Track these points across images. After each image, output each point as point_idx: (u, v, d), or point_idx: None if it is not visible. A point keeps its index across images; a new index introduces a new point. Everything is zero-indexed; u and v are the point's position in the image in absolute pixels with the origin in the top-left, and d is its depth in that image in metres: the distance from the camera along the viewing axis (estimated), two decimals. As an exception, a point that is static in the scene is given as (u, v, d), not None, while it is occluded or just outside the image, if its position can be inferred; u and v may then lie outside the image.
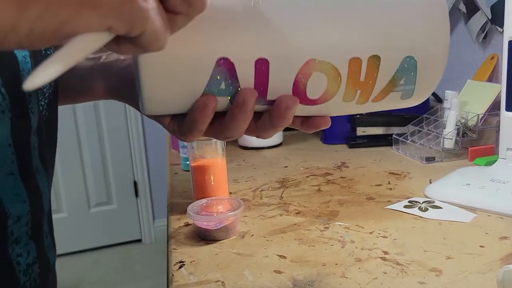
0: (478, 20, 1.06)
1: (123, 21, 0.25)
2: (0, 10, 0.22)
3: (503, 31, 0.74)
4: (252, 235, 0.62)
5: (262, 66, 0.31)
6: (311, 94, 0.33)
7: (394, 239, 0.58)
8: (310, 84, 0.33)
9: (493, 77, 1.02)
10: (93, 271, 2.25)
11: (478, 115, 0.93)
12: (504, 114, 0.75)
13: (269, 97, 0.33)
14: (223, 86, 0.32)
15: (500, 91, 0.77)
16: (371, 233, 0.60)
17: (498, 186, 0.70)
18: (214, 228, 0.60)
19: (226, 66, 0.31)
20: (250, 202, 0.73)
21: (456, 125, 0.93)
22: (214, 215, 0.62)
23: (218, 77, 0.31)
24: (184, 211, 0.65)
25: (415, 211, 0.67)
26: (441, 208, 0.68)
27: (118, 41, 0.26)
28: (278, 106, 0.34)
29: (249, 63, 0.31)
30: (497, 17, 0.99)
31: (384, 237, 0.59)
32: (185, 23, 0.28)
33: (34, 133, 0.45)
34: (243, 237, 0.61)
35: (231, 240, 0.60)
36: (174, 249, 0.58)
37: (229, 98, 0.33)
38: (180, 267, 0.54)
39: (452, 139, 0.92)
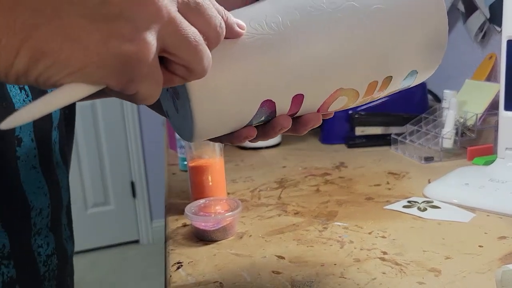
0: (477, 19, 1.06)
1: (122, 82, 0.26)
2: (16, 57, 0.23)
3: (501, 30, 0.74)
4: (250, 235, 0.61)
5: (298, 99, 0.36)
6: (331, 109, 0.39)
7: (393, 239, 0.58)
8: (332, 104, 0.39)
9: (491, 77, 1.02)
10: (91, 272, 2.24)
11: (477, 114, 0.93)
12: (503, 114, 0.75)
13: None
14: (263, 118, 0.37)
15: (499, 91, 0.77)
16: (370, 233, 0.60)
17: (497, 185, 0.70)
18: (212, 228, 0.59)
19: (268, 104, 0.36)
20: (248, 203, 0.73)
21: (454, 124, 0.93)
22: (212, 215, 0.61)
23: (261, 113, 0.36)
24: (182, 212, 0.65)
25: (414, 211, 0.67)
26: (440, 208, 0.67)
27: (108, 89, 0.27)
28: (273, 126, 0.37)
29: (288, 99, 0.36)
30: (495, 16, 0.99)
31: (383, 237, 0.59)
32: (182, 83, 0.30)
33: (55, 129, 0.47)
34: (241, 237, 0.61)
35: (229, 240, 0.60)
36: (172, 250, 0.58)
37: (264, 122, 0.38)
38: (178, 268, 0.54)
39: (450, 138, 0.92)
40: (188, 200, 0.72)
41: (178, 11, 0.27)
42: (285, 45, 0.34)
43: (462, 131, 0.94)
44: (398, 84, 0.40)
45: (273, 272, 0.52)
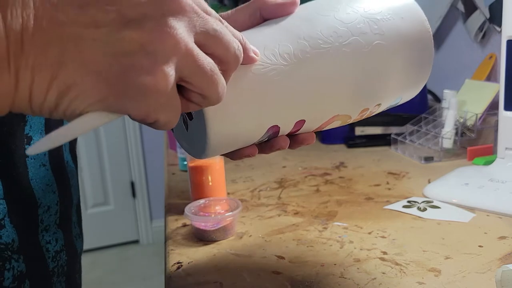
0: (477, 19, 1.06)
1: (141, 112, 0.27)
2: (47, 94, 0.25)
3: (501, 30, 0.74)
4: (250, 235, 0.61)
5: (299, 124, 0.40)
6: (325, 129, 0.43)
7: (393, 239, 0.58)
8: (327, 126, 0.42)
9: (491, 77, 1.02)
10: (91, 272, 2.24)
11: (477, 114, 0.93)
12: (503, 114, 0.75)
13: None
14: (266, 139, 0.40)
15: (499, 91, 0.77)
16: (369, 233, 0.60)
17: (496, 185, 0.70)
18: (212, 228, 0.59)
19: (273, 129, 0.38)
20: (248, 203, 0.73)
21: (454, 124, 0.93)
22: (212, 215, 0.61)
23: (265, 136, 0.39)
24: (181, 212, 0.65)
25: (413, 211, 0.67)
26: (440, 208, 0.67)
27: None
28: (272, 146, 0.40)
29: (291, 124, 0.39)
30: (495, 16, 0.99)
31: (383, 237, 0.59)
32: (197, 109, 0.31)
33: None
34: (241, 237, 0.61)
35: (229, 240, 0.60)
36: (172, 250, 0.58)
37: (265, 140, 0.41)
38: (178, 268, 0.54)
39: (450, 138, 0.92)
40: (188, 200, 0.72)
41: (196, 41, 0.28)
42: (296, 77, 0.36)
43: (462, 131, 0.94)
44: (384, 107, 0.45)
45: (273, 272, 0.52)
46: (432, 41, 0.42)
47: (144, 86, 0.26)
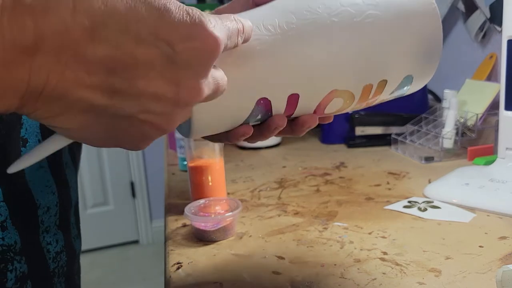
0: (477, 19, 1.05)
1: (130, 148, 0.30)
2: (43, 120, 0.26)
3: (501, 30, 0.74)
4: (250, 236, 0.61)
5: (293, 99, 0.37)
6: (327, 111, 0.40)
7: (393, 240, 0.58)
8: (328, 106, 0.39)
9: (492, 76, 1.02)
10: (90, 273, 2.24)
11: (477, 114, 0.92)
12: (503, 114, 0.75)
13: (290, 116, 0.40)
14: (259, 117, 0.38)
15: (499, 90, 0.77)
16: (370, 233, 0.60)
17: (497, 185, 0.70)
18: (212, 229, 0.59)
19: (263, 103, 0.37)
20: (248, 203, 0.73)
21: (455, 124, 0.93)
22: (212, 215, 0.61)
23: (257, 111, 0.37)
24: (181, 212, 0.65)
25: (414, 211, 0.66)
26: (440, 208, 0.67)
27: None
28: (269, 125, 0.38)
29: (283, 99, 0.37)
30: (496, 16, 0.99)
31: (383, 237, 0.59)
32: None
33: None
34: (241, 238, 0.61)
35: (229, 241, 0.60)
36: (172, 250, 0.58)
37: (260, 121, 0.39)
38: (178, 268, 0.53)
39: (451, 138, 0.92)
40: (188, 200, 0.72)
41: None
42: (280, 46, 0.35)
43: (463, 131, 0.94)
44: (394, 89, 0.41)
45: (273, 272, 0.52)
46: (438, 11, 0.40)
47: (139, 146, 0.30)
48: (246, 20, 0.33)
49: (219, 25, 0.28)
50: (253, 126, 0.39)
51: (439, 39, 0.40)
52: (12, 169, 0.28)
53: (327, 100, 0.39)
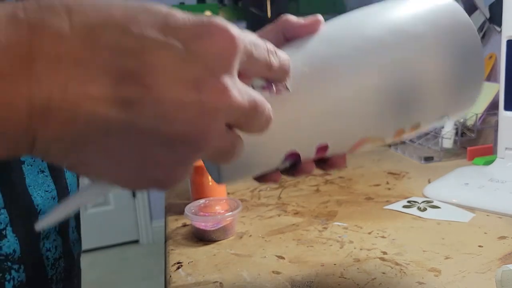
0: (476, 19, 1.06)
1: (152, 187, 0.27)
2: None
3: (501, 30, 0.74)
4: (250, 235, 0.61)
5: (322, 149, 0.36)
6: (358, 151, 0.39)
7: (393, 239, 0.58)
8: (358, 149, 0.38)
9: (491, 77, 1.02)
10: (90, 273, 2.24)
11: (477, 114, 0.93)
12: (503, 114, 0.75)
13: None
14: (287, 165, 0.37)
15: (499, 91, 0.77)
16: (369, 233, 0.60)
17: (496, 185, 0.70)
18: (212, 228, 0.59)
19: (293, 155, 0.35)
20: (248, 203, 0.73)
21: (454, 124, 0.93)
22: (212, 215, 0.61)
23: (286, 162, 0.36)
24: (181, 212, 0.65)
25: (413, 211, 0.67)
26: (440, 208, 0.67)
27: None
28: (298, 171, 0.37)
29: (312, 150, 0.36)
30: (495, 16, 0.99)
31: (383, 237, 0.59)
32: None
33: None
34: (241, 237, 0.61)
35: (229, 240, 0.60)
36: (172, 250, 0.58)
37: (289, 166, 0.37)
38: (178, 268, 0.54)
39: (450, 138, 0.92)
40: (188, 200, 0.72)
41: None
42: (306, 96, 0.33)
43: (462, 131, 0.94)
44: (427, 128, 0.39)
45: (273, 272, 0.52)
46: (480, 43, 0.36)
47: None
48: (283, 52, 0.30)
49: (236, 27, 0.25)
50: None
51: (481, 72, 0.37)
52: (42, 225, 0.26)
53: (357, 146, 0.37)
